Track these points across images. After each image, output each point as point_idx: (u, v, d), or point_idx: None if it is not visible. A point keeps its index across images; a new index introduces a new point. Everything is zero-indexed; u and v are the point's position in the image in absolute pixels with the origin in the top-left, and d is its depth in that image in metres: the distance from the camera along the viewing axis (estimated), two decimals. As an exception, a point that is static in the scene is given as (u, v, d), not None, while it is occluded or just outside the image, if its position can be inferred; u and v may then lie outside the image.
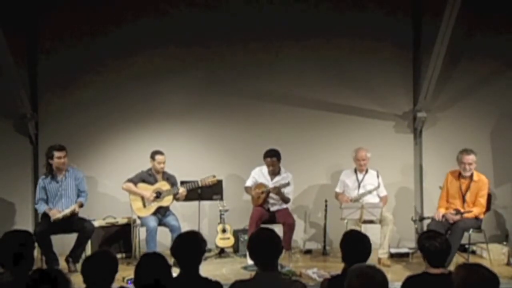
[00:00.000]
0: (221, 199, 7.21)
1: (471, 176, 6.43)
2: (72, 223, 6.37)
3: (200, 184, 6.87)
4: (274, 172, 7.05)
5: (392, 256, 6.81)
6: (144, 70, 7.62)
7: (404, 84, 7.83)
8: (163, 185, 6.83)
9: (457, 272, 3.14)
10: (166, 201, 6.80)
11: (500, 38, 7.51)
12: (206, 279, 3.59)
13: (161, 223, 6.78)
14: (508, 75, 7.61)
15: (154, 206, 6.76)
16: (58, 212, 6.36)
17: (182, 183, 6.90)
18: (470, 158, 6.35)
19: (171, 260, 3.74)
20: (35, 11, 7.48)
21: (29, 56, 7.57)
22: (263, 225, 6.58)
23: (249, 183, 7.15)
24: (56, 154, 6.48)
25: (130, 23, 7.55)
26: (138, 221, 6.95)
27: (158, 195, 6.77)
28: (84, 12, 7.47)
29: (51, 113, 7.56)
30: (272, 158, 6.97)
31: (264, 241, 3.57)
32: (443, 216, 6.37)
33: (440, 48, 6.91)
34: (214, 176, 6.97)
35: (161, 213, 6.82)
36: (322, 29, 7.64)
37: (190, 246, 3.63)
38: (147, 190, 6.78)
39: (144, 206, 6.76)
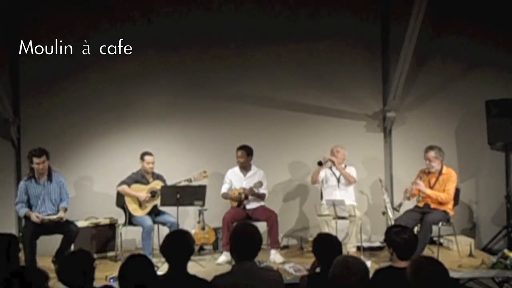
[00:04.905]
0: (203, 205, 6.85)
1: (441, 171, 6.59)
2: (57, 225, 6.35)
3: (192, 180, 6.85)
4: (245, 167, 7.13)
5: (364, 250, 6.94)
6: (125, 73, 7.69)
7: (374, 85, 8.08)
8: (157, 184, 6.92)
9: (411, 266, 3.29)
10: None
11: (462, 41, 7.81)
12: (194, 276, 3.67)
13: (155, 222, 6.90)
14: (470, 75, 7.90)
15: (149, 205, 6.91)
16: (38, 217, 6.23)
17: (173, 187, 6.74)
18: (429, 154, 6.55)
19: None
20: (16, 15, 7.49)
21: (10, 61, 7.59)
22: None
23: (224, 189, 7.19)
24: (35, 160, 6.32)
25: (110, 28, 7.63)
26: (120, 221, 7.06)
27: (153, 194, 6.90)
28: (65, 18, 7.51)
29: (33, 117, 7.59)
30: (240, 150, 7.09)
31: (245, 235, 3.70)
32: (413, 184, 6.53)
33: (407, 51, 7.13)
34: (205, 172, 7.02)
35: (155, 212, 6.96)
36: (294, 33, 7.85)
37: (179, 244, 3.70)
38: (142, 191, 6.90)
39: (140, 206, 6.89)
